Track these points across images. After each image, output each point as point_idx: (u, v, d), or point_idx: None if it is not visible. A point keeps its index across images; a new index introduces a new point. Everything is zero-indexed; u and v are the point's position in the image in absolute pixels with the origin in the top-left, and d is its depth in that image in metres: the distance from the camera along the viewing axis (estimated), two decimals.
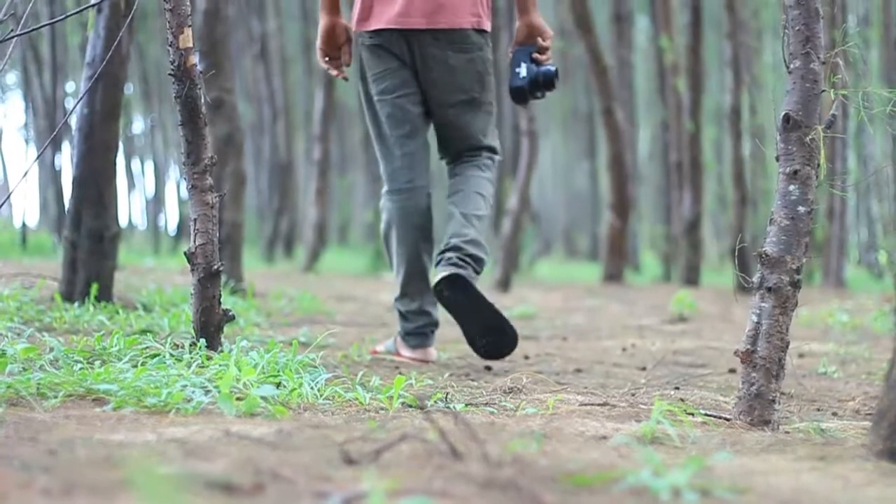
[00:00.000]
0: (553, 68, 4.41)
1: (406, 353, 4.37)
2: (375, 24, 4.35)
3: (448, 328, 4.91)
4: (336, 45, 4.52)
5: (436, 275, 4.13)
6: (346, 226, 29.59)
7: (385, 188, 4.46)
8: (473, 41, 4.37)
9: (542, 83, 4.40)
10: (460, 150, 4.47)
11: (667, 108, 16.18)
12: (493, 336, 4.12)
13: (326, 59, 4.54)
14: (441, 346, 4.60)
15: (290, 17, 25.22)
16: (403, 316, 4.41)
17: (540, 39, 4.44)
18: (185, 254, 3.35)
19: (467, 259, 4.18)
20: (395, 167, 4.41)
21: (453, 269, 4.09)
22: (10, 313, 4.21)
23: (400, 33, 4.33)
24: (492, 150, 4.51)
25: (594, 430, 2.35)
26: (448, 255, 4.18)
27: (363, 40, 4.41)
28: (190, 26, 3.33)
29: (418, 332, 4.38)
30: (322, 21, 4.49)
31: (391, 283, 4.40)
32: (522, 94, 4.40)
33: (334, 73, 4.55)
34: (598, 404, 2.98)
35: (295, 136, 22.23)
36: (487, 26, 4.41)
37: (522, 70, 4.39)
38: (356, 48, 4.51)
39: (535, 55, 4.42)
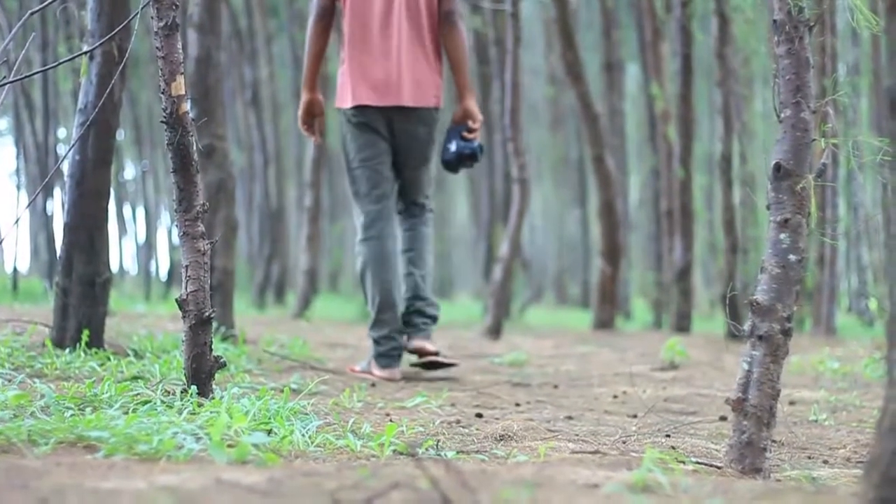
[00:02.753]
0: (476, 145, 5.55)
1: (377, 372, 5.40)
2: (361, 101, 5.43)
3: (437, 378, 4.94)
4: (313, 115, 5.68)
5: (413, 346, 5.46)
6: (336, 273, 29.53)
7: (360, 236, 5.50)
8: (434, 116, 5.54)
9: (467, 157, 5.53)
10: (414, 200, 5.69)
11: (657, 156, 16.18)
12: None
13: (305, 126, 5.71)
14: (431, 394, 4.59)
15: (282, 63, 25.26)
16: (376, 341, 5.45)
17: (470, 122, 5.58)
18: (176, 301, 3.36)
19: (429, 321, 5.54)
20: (370, 220, 5.47)
21: (425, 344, 5.44)
22: (0, 359, 4.20)
23: (382, 110, 5.46)
24: (430, 208, 5.78)
25: (585, 479, 2.35)
26: (416, 319, 5.50)
27: (349, 115, 5.51)
28: (182, 73, 3.35)
29: (388, 355, 5.42)
30: (304, 97, 5.63)
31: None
32: (451, 164, 5.54)
33: (312, 138, 5.79)
34: (590, 452, 2.98)
35: (286, 183, 22.24)
36: (441, 104, 5.55)
37: (452, 146, 5.55)
38: (342, 120, 5.58)
39: (465, 134, 5.57)
